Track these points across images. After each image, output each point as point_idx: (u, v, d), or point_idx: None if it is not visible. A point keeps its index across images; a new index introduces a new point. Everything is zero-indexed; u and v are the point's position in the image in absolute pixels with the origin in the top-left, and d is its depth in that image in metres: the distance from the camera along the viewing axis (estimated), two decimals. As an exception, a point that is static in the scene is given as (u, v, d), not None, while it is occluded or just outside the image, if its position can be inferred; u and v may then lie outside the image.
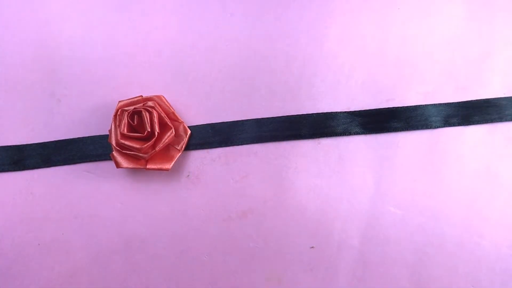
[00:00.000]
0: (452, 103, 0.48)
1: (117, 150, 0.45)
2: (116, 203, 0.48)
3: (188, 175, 0.48)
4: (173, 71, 0.49)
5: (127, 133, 0.44)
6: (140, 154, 0.44)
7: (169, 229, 0.47)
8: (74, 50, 0.49)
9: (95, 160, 0.48)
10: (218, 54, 0.49)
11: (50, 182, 0.48)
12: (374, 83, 0.49)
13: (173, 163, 0.46)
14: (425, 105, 0.48)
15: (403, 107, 0.48)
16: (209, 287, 0.47)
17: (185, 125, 0.47)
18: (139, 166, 0.46)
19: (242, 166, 0.48)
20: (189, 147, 0.48)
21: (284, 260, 0.47)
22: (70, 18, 0.50)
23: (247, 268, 0.47)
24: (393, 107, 0.48)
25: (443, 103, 0.48)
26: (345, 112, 0.48)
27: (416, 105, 0.48)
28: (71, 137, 0.49)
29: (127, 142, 0.44)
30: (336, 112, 0.48)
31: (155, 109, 0.45)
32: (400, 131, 0.48)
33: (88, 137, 0.48)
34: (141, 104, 0.46)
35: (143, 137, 0.45)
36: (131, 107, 0.45)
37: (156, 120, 0.45)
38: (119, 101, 0.46)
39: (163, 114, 0.45)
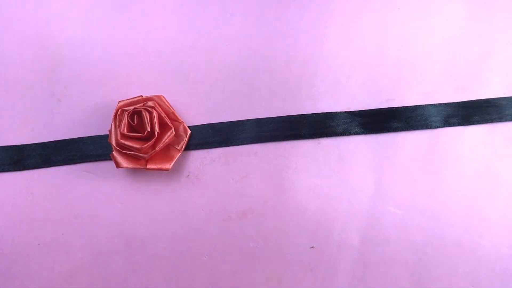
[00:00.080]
0: (452, 103, 0.48)
1: (117, 150, 0.45)
2: (116, 203, 0.48)
3: (188, 175, 0.48)
4: (173, 71, 0.49)
5: (127, 133, 0.44)
6: (140, 154, 0.44)
7: (169, 229, 0.47)
8: (74, 50, 0.49)
9: (95, 160, 0.48)
10: (218, 54, 0.49)
11: (50, 182, 0.48)
12: (374, 83, 0.49)
13: (173, 163, 0.46)
14: (425, 105, 0.48)
15: (403, 107, 0.48)
16: (209, 287, 0.47)
17: (185, 125, 0.47)
18: (139, 166, 0.46)
19: (242, 166, 0.48)
20: (189, 147, 0.48)
21: (284, 260, 0.47)
22: (70, 18, 0.50)
23: (247, 268, 0.47)
24: (393, 107, 0.48)
25: (443, 103, 0.48)
26: (345, 112, 0.48)
27: (416, 105, 0.48)
28: (71, 137, 0.49)
29: (127, 142, 0.44)
30: (336, 112, 0.48)
31: (155, 109, 0.45)
32: (400, 131, 0.48)
33: (88, 137, 0.48)
34: (141, 104, 0.46)
35: (143, 137, 0.45)
36: (131, 107, 0.45)
37: (156, 120, 0.45)
38: (119, 101, 0.46)
39: (163, 114, 0.45)
